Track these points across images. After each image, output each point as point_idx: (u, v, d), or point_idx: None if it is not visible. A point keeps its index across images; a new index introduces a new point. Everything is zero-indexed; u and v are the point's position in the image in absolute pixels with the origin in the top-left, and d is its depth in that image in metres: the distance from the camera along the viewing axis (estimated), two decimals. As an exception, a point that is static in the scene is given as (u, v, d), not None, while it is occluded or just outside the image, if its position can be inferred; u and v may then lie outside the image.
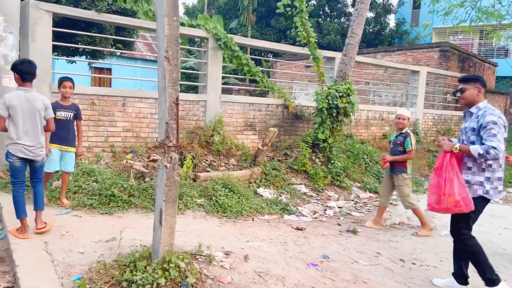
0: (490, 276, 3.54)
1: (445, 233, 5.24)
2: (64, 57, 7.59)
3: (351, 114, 8.39)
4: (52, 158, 5.01)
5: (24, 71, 4.23)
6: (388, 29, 24.33)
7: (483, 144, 3.43)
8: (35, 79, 4.48)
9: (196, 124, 8.07)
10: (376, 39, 23.99)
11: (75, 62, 9.38)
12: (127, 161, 5.95)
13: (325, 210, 6.32)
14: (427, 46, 15.59)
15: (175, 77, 3.25)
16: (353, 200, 7.16)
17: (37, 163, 4.32)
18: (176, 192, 3.43)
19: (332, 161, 8.08)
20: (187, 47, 11.84)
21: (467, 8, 14.60)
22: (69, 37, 7.96)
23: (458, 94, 3.77)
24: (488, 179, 3.54)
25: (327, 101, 8.09)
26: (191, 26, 7.94)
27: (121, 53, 9.97)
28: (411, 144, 5.46)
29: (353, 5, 25.19)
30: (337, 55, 9.87)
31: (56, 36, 6.46)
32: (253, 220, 5.40)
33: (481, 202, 3.58)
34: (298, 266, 3.98)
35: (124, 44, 8.44)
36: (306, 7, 7.48)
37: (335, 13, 25.70)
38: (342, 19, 25.48)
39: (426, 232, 5.47)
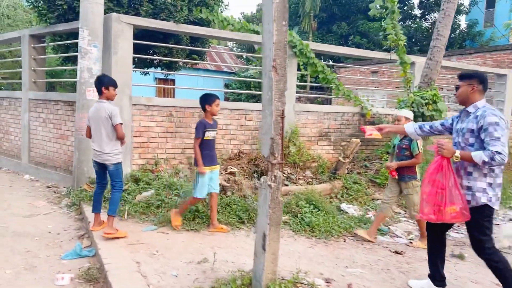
0: None
1: None
2: (141, 69, 7.61)
3: (437, 123, 7.70)
4: (204, 182, 4.72)
5: (96, 86, 4.61)
6: (458, 31, 22.87)
7: (484, 147, 3.17)
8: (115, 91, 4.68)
9: (270, 134, 7.78)
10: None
11: (148, 74, 9.48)
12: (208, 175, 5.74)
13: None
14: (510, 48, 14.32)
15: (282, 88, 2.95)
16: (446, 218, 6.48)
17: (109, 167, 4.57)
18: (281, 214, 3.11)
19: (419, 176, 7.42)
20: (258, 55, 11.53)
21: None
22: (144, 49, 8.02)
23: (454, 92, 3.51)
24: (490, 185, 3.26)
25: (412, 108, 7.49)
26: (266, 34, 7.68)
27: (192, 64, 9.89)
28: (418, 147, 4.91)
29: (420, 7, 24.00)
30: (417, 59, 9.20)
31: (133, 48, 6.47)
32: (344, 241, 4.96)
33: (487, 210, 3.28)
34: (410, 299, 3.50)
35: (197, 55, 8.39)
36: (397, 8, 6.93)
37: (400, 16, 24.60)
38: (407, 22, 24.35)
39: (423, 245, 4.90)
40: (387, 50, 7.78)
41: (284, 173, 6.88)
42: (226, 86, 23.45)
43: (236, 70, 24.96)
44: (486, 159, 3.10)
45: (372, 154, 8.39)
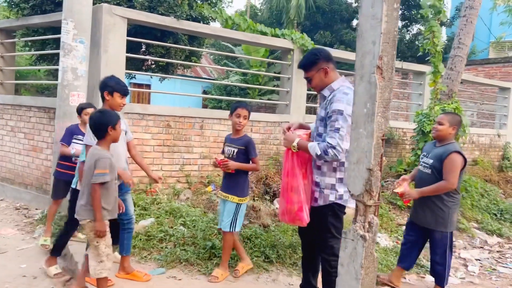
0: None
1: None
2: (135, 72, 6.49)
3: (460, 138, 7.07)
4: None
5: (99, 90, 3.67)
6: (440, 43, 22.85)
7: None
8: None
9: (277, 149, 6.92)
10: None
11: (135, 77, 8.43)
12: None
13: (465, 265, 4.97)
14: (502, 61, 14.13)
15: (387, 98, 2.08)
16: (482, 247, 5.78)
17: None
18: (375, 275, 2.22)
19: (441, 195, 6.73)
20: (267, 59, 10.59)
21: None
22: (134, 48, 6.98)
23: (308, 85, 3.15)
24: (340, 180, 2.89)
25: (433, 123, 6.79)
26: (275, 35, 6.85)
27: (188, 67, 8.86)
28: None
29: (402, 19, 23.85)
30: (428, 69, 8.59)
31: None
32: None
33: (337, 209, 2.90)
34: None
35: (195, 56, 7.41)
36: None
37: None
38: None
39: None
40: (424, 57, 7.09)
41: (299, 195, 6.00)
42: (205, 92, 22.43)
43: (215, 76, 24.02)
44: (319, 152, 2.74)
45: (387, 172, 7.66)
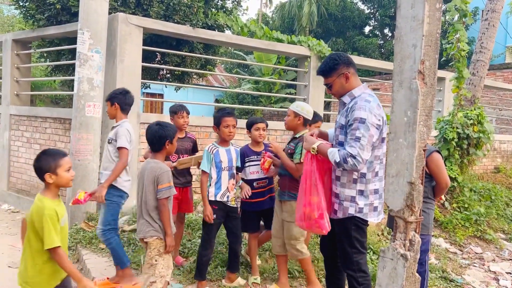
0: None
1: None
2: (151, 81, 6.39)
3: (483, 145, 6.84)
4: None
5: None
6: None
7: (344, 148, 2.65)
8: None
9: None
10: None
11: (149, 87, 8.38)
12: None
13: (497, 279, 4.74)
14: (521, 65, 13.81)
15: (429, 106, 1.92)
16: (511, 260, 5.53)
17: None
18: (417, 298, 2.05)
19: (466, 205, 6.50)
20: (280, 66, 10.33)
21: None
22: (149, 57, 6.93)
23: (328, 91, 2.96)
24: (361, 192, 2.71)
25: (456, 130, 6.59)
26: (291, 42, 6.74)
27: (201, 75, 8.75)
28: (301, 154, 3.33)
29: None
30: (447, 75, 8.39)
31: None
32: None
33: (358, 222, 2.72)
34: None
35: (210, 65, 7.32)
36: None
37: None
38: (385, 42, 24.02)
39: None
40: (442, 62, 6.90)
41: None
42: (217, 101, 22.44)
43: (227, 84, 24.03)
44: (338, 159, 2.61)
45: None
